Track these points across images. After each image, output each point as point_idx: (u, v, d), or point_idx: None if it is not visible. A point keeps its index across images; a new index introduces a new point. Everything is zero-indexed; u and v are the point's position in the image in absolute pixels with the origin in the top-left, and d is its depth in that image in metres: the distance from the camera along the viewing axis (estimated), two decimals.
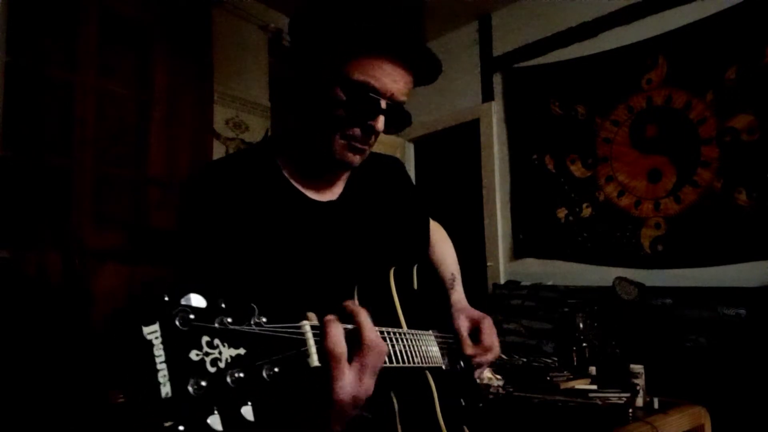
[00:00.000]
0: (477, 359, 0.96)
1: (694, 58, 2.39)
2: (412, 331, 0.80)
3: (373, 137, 0.83)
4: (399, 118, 0.83)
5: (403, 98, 0.81)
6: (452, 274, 1.12)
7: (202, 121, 2.68)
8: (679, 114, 2.43)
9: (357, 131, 0.81)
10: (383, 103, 0.79)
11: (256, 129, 3.02)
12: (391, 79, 0.78)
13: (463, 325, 0.97)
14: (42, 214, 2.10)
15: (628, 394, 1.43)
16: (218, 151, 2.80)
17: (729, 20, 2.29)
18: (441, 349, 0.90)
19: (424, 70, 0.83)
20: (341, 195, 0.93)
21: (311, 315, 0.59)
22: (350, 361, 0.58)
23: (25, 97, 2.10)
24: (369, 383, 0.60)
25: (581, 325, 1.96)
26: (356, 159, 0.85)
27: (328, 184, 0.92)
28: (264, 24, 3.09)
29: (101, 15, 2.36)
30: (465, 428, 0.88)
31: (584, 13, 2.79)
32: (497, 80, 3.20)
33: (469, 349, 0.94)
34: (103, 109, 2.34)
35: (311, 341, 0.55)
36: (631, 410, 1.35)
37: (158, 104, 2.51)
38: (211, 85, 2.73)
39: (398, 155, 3.56)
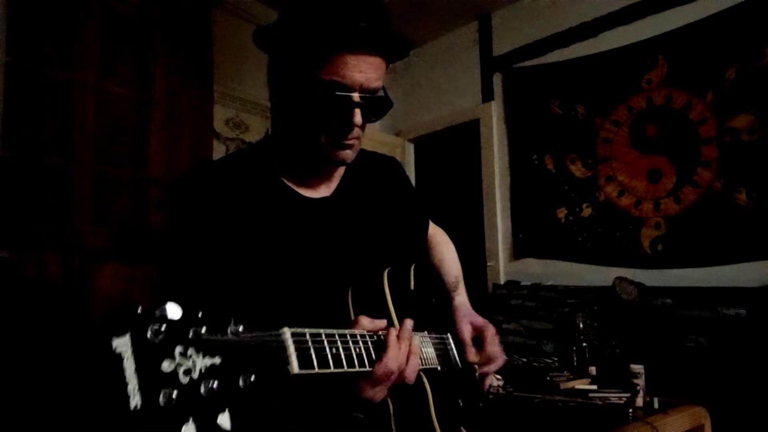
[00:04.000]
0: (481, 369, 0.96)
1: (694, 58, 2.39)
2: None
3: (356, 130, 0.83)
4: (376, 105, 0.83)
5: (376, 84, 0.81)
6: (455, 276, 1.11)
7: (202, 121, 2.68)
8: (679, 114, 2.43)
9: (338, 128, 0.82)
10: (356, 97, 0.79)
11: (256, 129, 3.03)
12: (358, 71, 0.78)
13: (467, 332, 0.97)
14: (42, 214, 2.10)
15: (628, 394, 1.43)
16: (218, 151, 2.80)
17: (729, 20, 2.29)
18: (437, 350, 0.89)
19: (391, 49, 0.83)
20: (335, 191, 0.93)
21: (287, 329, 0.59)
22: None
23: (25, 97, 2.10)
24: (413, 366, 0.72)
25: (581, 325, 1.97)
26: (347, 154, 0.86)
27: (322, 181, 0.92)
28: (264, 24, 3.08)
29: (101, 15, 2.35)
30: (462, 429, 0.88)
31: (584, 13, 2.78)
32: (497, 80, 3.19)
33: (473, 356, 0.95)
34: (103, 109, 2.34)
35: (291, 348, 0.55)
36: (631, 410, 1.35)
37: (158, 104, 2.50)
38: (211, 85, 2.73)
39: (398, 155, 3.58)
